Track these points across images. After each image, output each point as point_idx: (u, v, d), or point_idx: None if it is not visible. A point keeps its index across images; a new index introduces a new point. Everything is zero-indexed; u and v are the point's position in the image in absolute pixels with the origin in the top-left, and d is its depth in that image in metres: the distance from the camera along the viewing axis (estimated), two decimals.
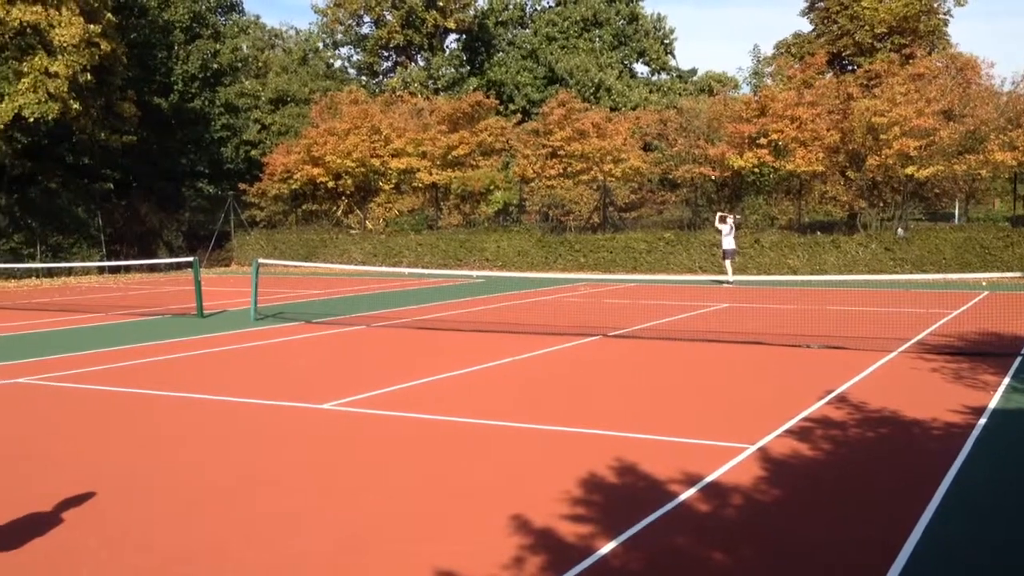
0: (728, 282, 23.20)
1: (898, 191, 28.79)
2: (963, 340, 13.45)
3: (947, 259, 26.04)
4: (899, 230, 27.69)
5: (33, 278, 31.56)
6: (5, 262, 29.99)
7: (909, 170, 27.21)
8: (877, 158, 27.53)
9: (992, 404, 9.02)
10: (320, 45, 59.76)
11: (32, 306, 21.77)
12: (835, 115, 29.09)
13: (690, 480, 6.57)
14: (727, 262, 25.30)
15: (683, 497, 6.21)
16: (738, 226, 27.00)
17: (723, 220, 25.91)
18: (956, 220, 31.51)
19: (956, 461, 7.00)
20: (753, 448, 7.43)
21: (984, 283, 23.42)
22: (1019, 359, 11.59)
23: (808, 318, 16.28)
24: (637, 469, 6.89)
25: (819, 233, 28.68)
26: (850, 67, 43.07)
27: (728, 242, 25.38)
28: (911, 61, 32.11)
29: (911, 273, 24.94)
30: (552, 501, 6.14)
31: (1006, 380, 10.23)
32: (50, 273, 32.05)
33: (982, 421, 8.31)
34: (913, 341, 13.38)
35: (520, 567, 5.03)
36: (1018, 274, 20.04)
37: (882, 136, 27.24)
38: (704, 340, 13.91)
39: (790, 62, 38.89)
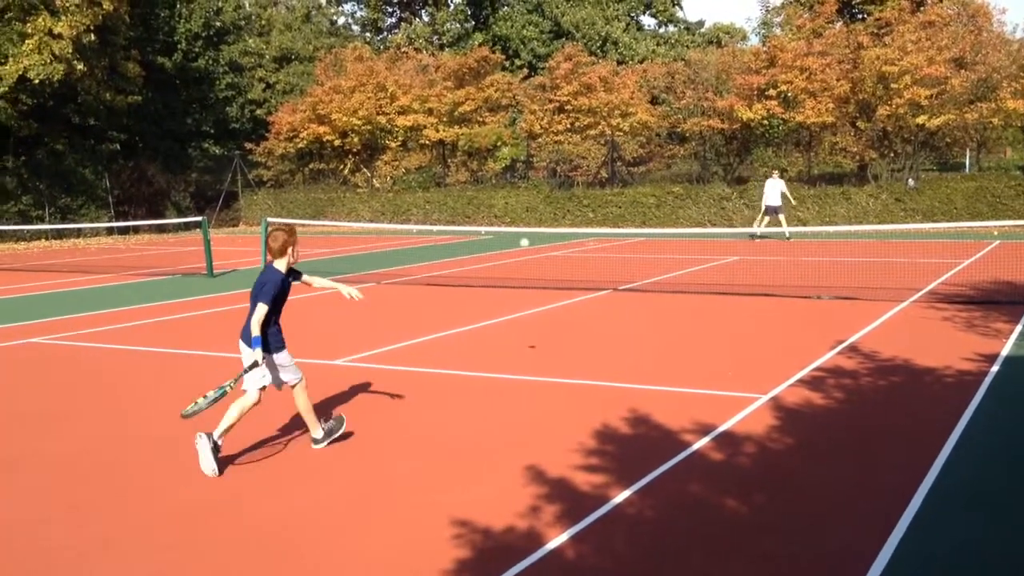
0: (786, 235, 23.02)
1: (908, 141, 28.53)
2: (975, 289, 13.42)
3: (958, 209, 25.86)
4: (910, 180, 27.46)
5: (42, 240, 31.63)
6: (14, 224, 30.06)
7: (920, 119, 26.93)
8: (887, 108, 27.24)
9: (1004, 351, 9.02)
10: (323, 1, 59.15)
11: (42, 267, 21.84)
12: (845, 65, 28.75)
13: (703, 430, 6.60)
14: (781, 216, 24.05)
15: (696, 446, 6.25)
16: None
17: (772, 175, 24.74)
18: (967, 170, 31.21)
19: (968, 408, 7.02)
20: (765, 398, 7.46)
21: (996, 232, 23.29)
22: None
23: (818, 270, 16.25)
24: (650, 420, 6.92)
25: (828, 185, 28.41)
26: (860, 16, 42.38)
27: (775, 198, 24.02)
28: (922, 8, 31.64)
29: (922, 223, 24.80)
30: (567, 452, 6.19)
31: (1018, 328, 10.22)
32: (59, 235, 32.11)
33: (994, 368, 8.31)
34: (924, 291, 13.35)
35: (536, 515, 5.08)
36: None
37: (892, 85, 26.93)
38: (714, 293, 13.92)
39: (799, 11, 38.35)
